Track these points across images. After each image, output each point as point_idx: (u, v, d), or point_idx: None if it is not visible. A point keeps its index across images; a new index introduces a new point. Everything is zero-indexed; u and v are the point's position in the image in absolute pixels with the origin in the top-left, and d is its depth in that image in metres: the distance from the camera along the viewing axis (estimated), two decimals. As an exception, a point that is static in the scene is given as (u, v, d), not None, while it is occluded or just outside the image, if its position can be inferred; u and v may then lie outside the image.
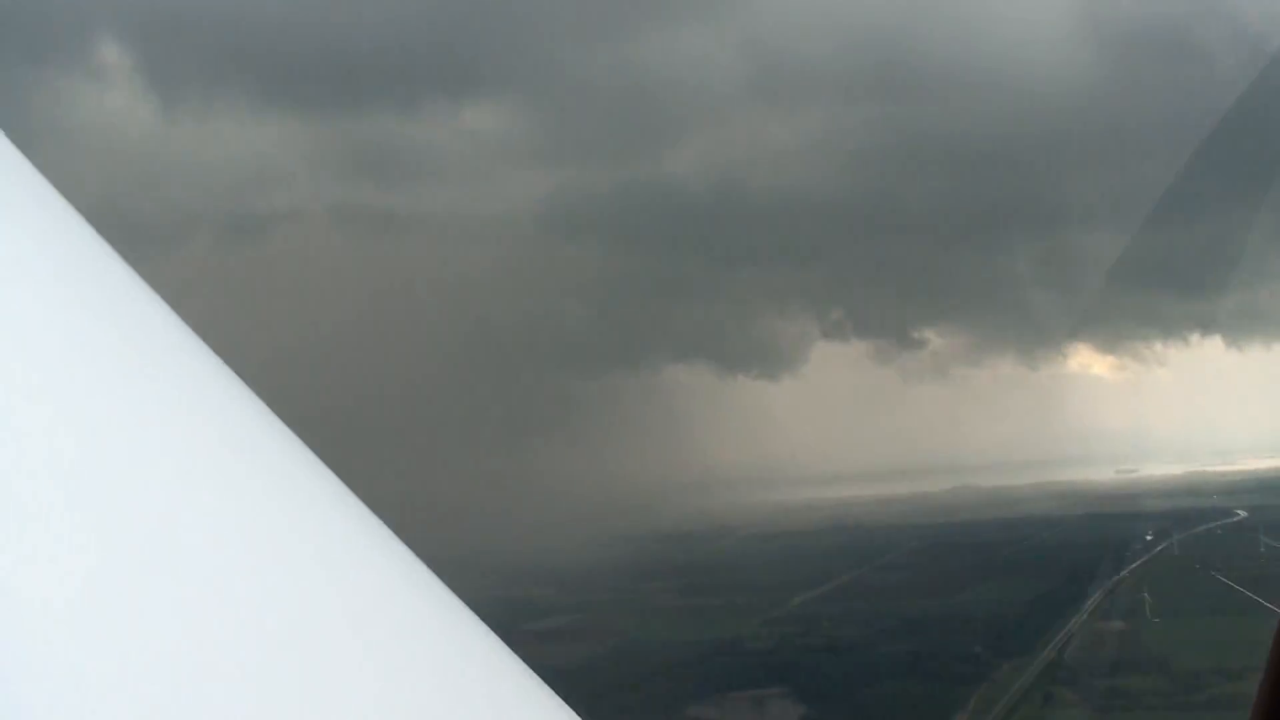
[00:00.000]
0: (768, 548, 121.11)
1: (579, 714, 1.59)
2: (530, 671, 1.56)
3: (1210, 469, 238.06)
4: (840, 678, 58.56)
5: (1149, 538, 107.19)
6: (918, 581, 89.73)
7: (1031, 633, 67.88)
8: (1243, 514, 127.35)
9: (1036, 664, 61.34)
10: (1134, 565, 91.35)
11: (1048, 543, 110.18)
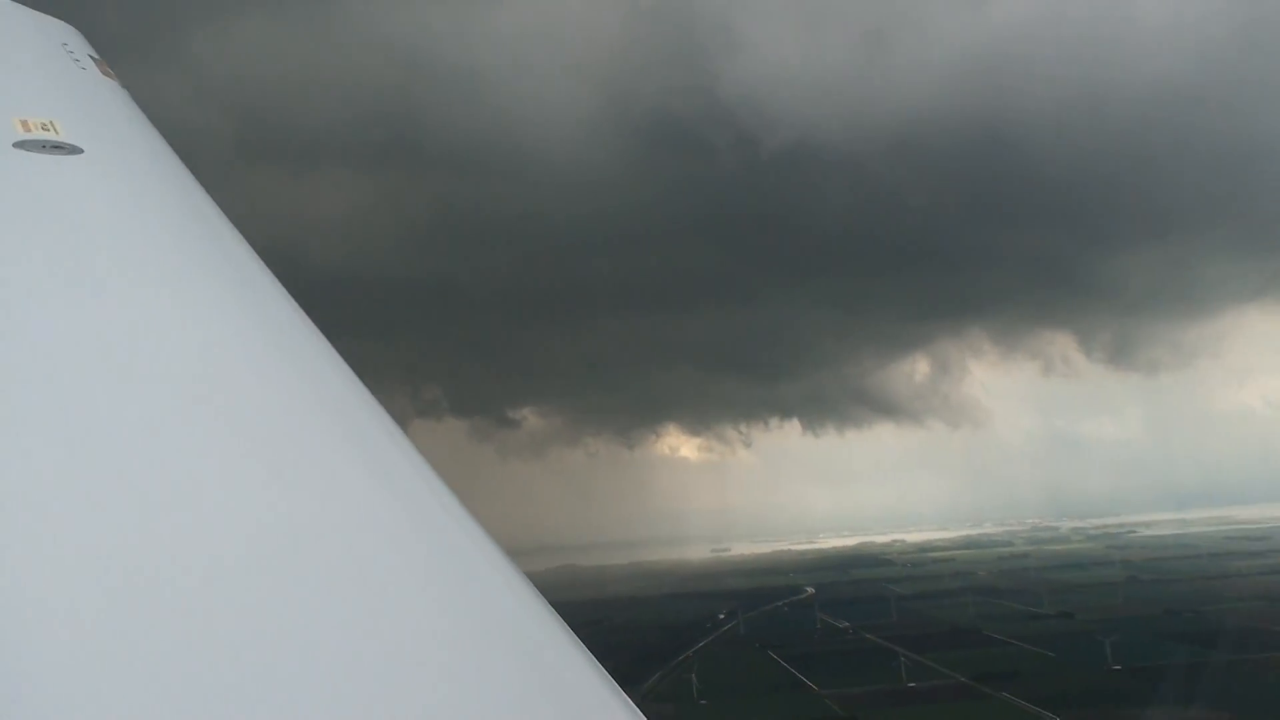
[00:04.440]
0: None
1: None
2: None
3: (794, 547, 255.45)
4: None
5: (721, 616, 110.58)
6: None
7: (579, 721, 66.23)
8: (810, 590, 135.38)
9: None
10: (698, 645, 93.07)
11: (627, 623, 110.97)
